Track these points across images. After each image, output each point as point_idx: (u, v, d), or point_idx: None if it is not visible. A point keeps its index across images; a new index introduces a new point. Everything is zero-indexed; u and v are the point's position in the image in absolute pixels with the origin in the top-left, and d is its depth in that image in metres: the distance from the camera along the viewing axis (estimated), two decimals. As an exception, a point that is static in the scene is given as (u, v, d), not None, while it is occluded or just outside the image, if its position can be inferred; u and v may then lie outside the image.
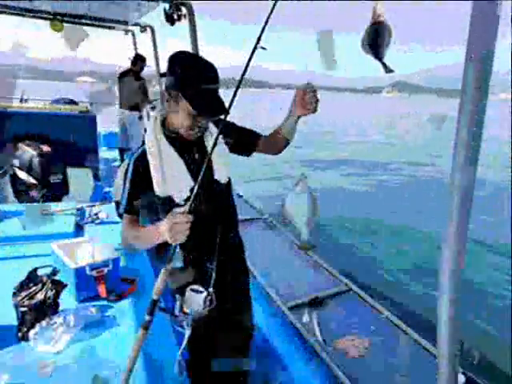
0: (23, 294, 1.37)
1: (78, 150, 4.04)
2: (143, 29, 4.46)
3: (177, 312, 1.08)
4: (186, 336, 1.09)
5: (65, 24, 3.94)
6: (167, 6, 2.70)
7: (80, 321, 1.39)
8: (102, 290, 1.61)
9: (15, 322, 1.37)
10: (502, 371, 2.91)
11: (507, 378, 2.85)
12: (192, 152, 1.38)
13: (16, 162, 3.38)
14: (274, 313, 2.11)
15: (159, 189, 1.30)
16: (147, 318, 1.10)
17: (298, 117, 1.39)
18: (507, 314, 3.60)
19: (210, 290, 1.13)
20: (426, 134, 22.82)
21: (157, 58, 4.76)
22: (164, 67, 1.32)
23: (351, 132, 21.42)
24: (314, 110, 1.32)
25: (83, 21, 4.04)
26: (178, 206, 1.20)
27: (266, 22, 1.20)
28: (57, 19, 3.85)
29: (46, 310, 1.38)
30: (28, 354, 1.27)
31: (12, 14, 3.91)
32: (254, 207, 3.91)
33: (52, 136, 3.65)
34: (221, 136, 1.27)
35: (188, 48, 2.89)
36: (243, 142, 1.53)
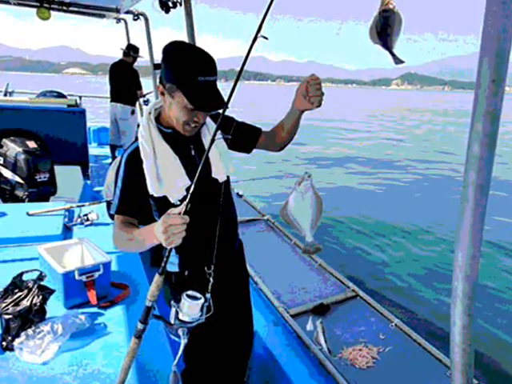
0: (8, 300, 1.36)
1: (67, 146, 4.04)
2: (136, 17, 4.46)
3: (172, 320, 1.08)
4: (182, 345, 1.09)
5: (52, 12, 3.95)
6: (162, -9, 2.70)
7: (68, 329, 1.39)
8: (91, 296, 1.61)
9: (-1, 331, 1.37)
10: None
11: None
12: (188, 149, 1.38)
13: (0, 160, 3.38)
14: (275, 321, 2.11)
15: (153, 188, 1.30)
16: (140, 326, 1.10)
17: (302, 111, 1.38)
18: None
19: (208, 296, 1.13)
20: (437, 129, 22.81)
21: (150, 49, 4.77)
22: (158, 58, 1.32)
23: (358, 127, 21.42)
24: (319, 104, 1.32)
25: (72, 8, 4.05)
26: (174, 206, 1.20)
27: (268, 10, 1.20)
28: (44, 7, 3.85)
29: (32, 317, 1.38)
30: (13, 365, 1.27)
31: None
32: (254, 207, 3.91)
33: (39, 131, 3.64)
34: (219, 132, 1.27)
35: (184, 38, 2.89)
36: (243, 137, 1.53)
